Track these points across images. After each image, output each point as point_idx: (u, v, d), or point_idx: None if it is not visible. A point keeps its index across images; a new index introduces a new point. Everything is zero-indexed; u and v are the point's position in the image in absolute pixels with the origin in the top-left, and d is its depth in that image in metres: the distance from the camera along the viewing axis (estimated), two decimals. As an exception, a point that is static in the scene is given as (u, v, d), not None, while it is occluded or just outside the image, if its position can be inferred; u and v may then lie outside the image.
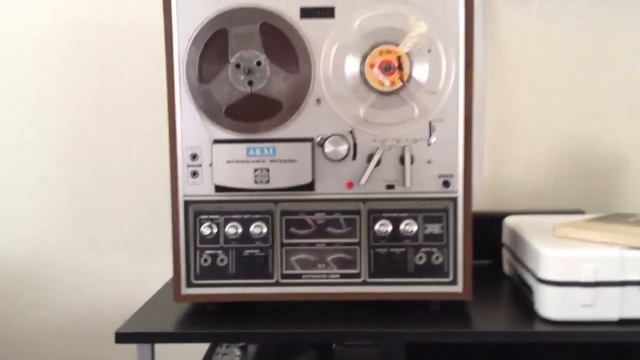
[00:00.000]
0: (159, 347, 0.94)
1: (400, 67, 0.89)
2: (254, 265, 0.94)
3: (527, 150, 1.31)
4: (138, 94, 1.33)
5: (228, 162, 0.91)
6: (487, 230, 1.14)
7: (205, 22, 0.91)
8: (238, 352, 1.10)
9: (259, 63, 0.91)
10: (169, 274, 1.16)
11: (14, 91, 1.35)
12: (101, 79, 1.34)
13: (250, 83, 0.91)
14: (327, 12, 0.90)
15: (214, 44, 0.91)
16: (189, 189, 0.93)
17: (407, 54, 0.89)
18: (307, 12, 0.90)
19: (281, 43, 0.91)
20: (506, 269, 1.12)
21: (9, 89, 1.35)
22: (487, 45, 1.26)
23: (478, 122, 1.23)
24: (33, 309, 1.40)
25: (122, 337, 0.90)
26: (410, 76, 0.90)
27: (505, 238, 1.11)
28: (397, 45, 0.89)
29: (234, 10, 0.90)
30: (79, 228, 1.37)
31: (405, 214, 0.93)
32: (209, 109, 0.92)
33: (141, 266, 1.37)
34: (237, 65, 0.91)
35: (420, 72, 0.90)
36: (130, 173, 1.36)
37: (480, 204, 1.26)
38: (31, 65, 1.34)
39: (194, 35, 0.91)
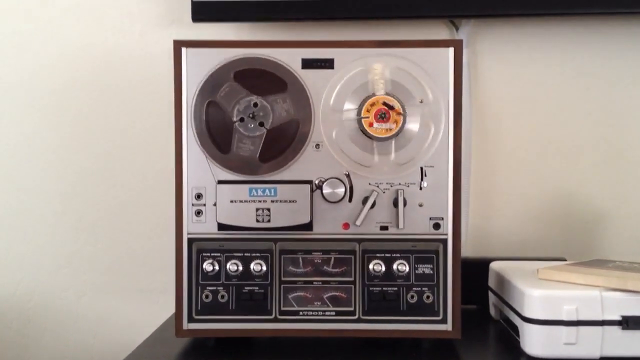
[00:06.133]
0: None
1: (391, 107, 0.95)
2: (253, 302, 0.98)
3: (511, 201, 1.36)
4: (143, 145, 1.39)
5: (231, 201, 0.97)
6: (474, 276, 1.18)
7: (199, 89, 0.97)
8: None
9: (255, 104, 0.97)
10: (165, 316, 1.21)
11: (21, 145, 1.40)
12: (109, 128, 1.39)
13: (261, 124, 0.97)
14: (327, 64, 0.97)
15: (213, 114, 0.98)
16: (192, 227, 0.98)
17: (389, 94, 0.96)
18: (308, 63, 0.97)
19: (257, 76, 0.97)
20: (493, 312, 1.16)
21: (16, 144, 1.40)
22: (473, 99, 1.34)
23: (464, 172, 1.29)
24: (31, 353, 1.41)
25: (125, 369, 0.94)
26: (404, 110, 0.96)
27: (491, 282, 1.16)
28: (388, 94, 0.96)
29: (213, 75, 0.97)
30: (77, 272, 1.40)
31: (398, 255, 0.98)
32: (244, 165, 0.97)
33: (139, 309, 1.39)
34: (242, 120, 0.97)
35: (412, 121, 0.97)
36: (129, 219, 1.39)
37: (466, 252, 1.31)
38: (38, 119, 1.39)
39: (195, 96, 0.98)
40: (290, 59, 0.97)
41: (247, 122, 0.97)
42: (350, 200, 0.98)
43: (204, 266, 0.98)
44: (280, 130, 0.97)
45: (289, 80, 0.97)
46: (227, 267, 0.98)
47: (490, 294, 1.16)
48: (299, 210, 0.97)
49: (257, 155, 0.97)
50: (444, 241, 0.98)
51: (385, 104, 0.95)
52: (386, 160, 0.97)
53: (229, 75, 0.97)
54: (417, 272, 0.98)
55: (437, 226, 0.98)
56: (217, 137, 0.97)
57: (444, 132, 0.97)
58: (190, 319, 0.98)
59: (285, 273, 0.98)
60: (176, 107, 0.97)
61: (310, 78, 0.97)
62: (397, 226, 0.97)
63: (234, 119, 0.97)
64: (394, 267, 0.98)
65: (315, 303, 0.98)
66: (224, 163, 0.97)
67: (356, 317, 0.98)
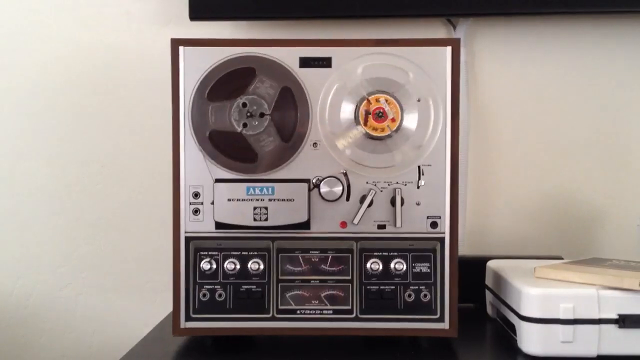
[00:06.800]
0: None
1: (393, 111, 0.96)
2: (251, 301, 0.98)
3: (508, 200, 1.37)
4: (140, 144, 1.39)
5: (229, 200, 0.97)
6: (471, 275, 1.18)
7: (196, 87, 0.97)
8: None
9: (244, 105, 0.97)
10: (161, 315, 1.21)
11: (18, 144, 1.40)
12: (106, 128, 1.39)
13: (262, 115, 0.97)
14: (325, 62, 0.97)
15: (221, 139, 0.97)
16: (190, 225, 0.98)
17: (396, 99, 0.96)
18: (306, 62, 0.97)
19: (225, 81, 0.97)
20: (490, 311, 1.17)
21: (13, 143, 1.40)
22: (470, 97, 1.34)
23: (461, 171, 1.30)
24: (30, 351, 1.41)
25: (122, 368, 0.94)
26: (401, 122, 0.96)
27: (488, 280, 1.16)
28: (386, 93, 0.96)
29: (195, 108, 0.97)
30: (75, 270, 1.40)
31: (396, 253, 0.99)
32: (276, 157, 0.98)
33: (137, 307, 1.39)
34: (245, 125, 0.97)
35: (410, 120, 0.97)
36: (126, 218, 1.40)
37: (463, 251, 1.32)
38: (36, 118, 1.39)
39: (193, 95, 0.98)
40: (288, 57, 0.97)
41: (249, 123, 0.97)
42: (347, 199, 0.98)
43: (201, 265, 0.98)
44: (281, 105, 0.97)
45: (254, 64, 0.97)
46: (225, 265, 0.98)
47: (487, 293, 1.17)
48: (296, 209, 0.97)
49: (280, 139, 0.97)
50: (441, 240, 0.98)
51: (387, 105, 0.96)
52: (384, 158, 0.97)
53: (204, 100, 0.97)
54: (414, 270, 0.98)
55: (434, 225, 0.98)
56: (240, 154, 0.97)
57: (442, 131, 0.97)
58: (188, 318, 0.98)
59: (283, 272, 0.98)
60: (173, 106, 0.97)
61: (308, 77, 0.97)
62: (395, 225, 0.97)
63: (239, 129, 0.97)
64: (392, 265, 0.98)
65: (313, 302, 0.98)
66: (255, 169, 0.97)
67: (353, 315, 0.98)
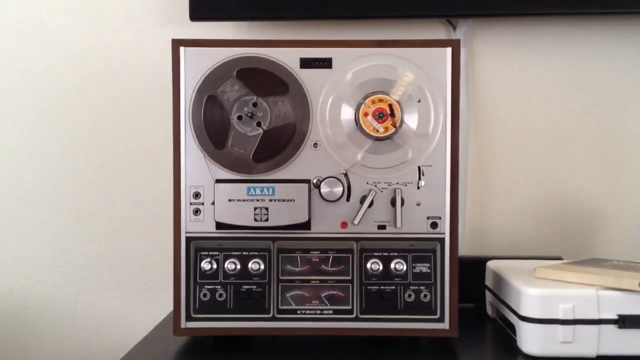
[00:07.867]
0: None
1: (392, 114, 0.96)
2: (251, 301, 0.98)
3: (507, 200, 1.37)
4: (140, 144, 1.39)
5: (229, 200, 0.97)
6: (471, 275, 1.19)
7: (197, 87, 0.98)
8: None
9: (254, 104, 0.97)
10: (161, 315, 1.21)
11: (19, 144, 1.40)
12: (106, 127, 1.39)
13: (259, 124, 0.97)
14: (325, 63, 0.97)
15: (211, 109, 0.98)
16: (190, 226, 0.98)
17: (398, 101, 0.96)
18: (307, 63, 0.97)
19: (259, 76, 0.97)
20: (489, 311, 1.17)
21: (14, 143, 1.40)
22: (469, 97, 1.34)
23: (461, 171, 1.30)
24: (30, 351, 1.41)
25: (123, 368, 0.94)
26: (402, 122, 0.96)
27: (488, 280, 1.16)
28: (388, 94, 0.96)
29: (213, 73, 0.97)
30: (74, 270, 1.40)
31: (396, 254, 0.99)
32: (239, 165, 0.98)
33: (137, 307, 1.40)
34: (240, 118, 0.97)
35: (410, 120, 0.97)
36: (127, 218, 1.40)
37: (463, 251, 1.32)
38: (36, 118, 1.39)
39: (193, 95, 0.98)
40: (289, 58, 0.97)
41: (245, 120, 0.97)
42: (348, 199, 0.98)
43: (202, 265, 0.98)
44: (277, 132, 0.98)
45: (291, 82, 0.97)
46: (225, 265, 0.98)
47: (487, 293, 1.17)
48: (297, 209, 0.97)
49: (251, 155, 0.97)
50: (442, 240, 0.98)
51: (390, 107, 0.96)
52: (383, 159, 0.97)
53: (231, 73, 0.97)
54: (414, 271, 0.99)
55: (434, 225, 0.98)
56: (213, 132, 0.97)
57: (442, 132, 0.98)
58: (188, 318, 0.98)
59: (283, 272, 0.99)
60: (174, 106, 0.98)
61: (308, 77, 0.97)
62: (395, 225, 0.98)
63: (232, 116, 0.97)
64: (392, 266, 0.98)
65: (313, 302, 0.98)
66: (221, 161, 0.98)
67: (354, 315, 0.98)
